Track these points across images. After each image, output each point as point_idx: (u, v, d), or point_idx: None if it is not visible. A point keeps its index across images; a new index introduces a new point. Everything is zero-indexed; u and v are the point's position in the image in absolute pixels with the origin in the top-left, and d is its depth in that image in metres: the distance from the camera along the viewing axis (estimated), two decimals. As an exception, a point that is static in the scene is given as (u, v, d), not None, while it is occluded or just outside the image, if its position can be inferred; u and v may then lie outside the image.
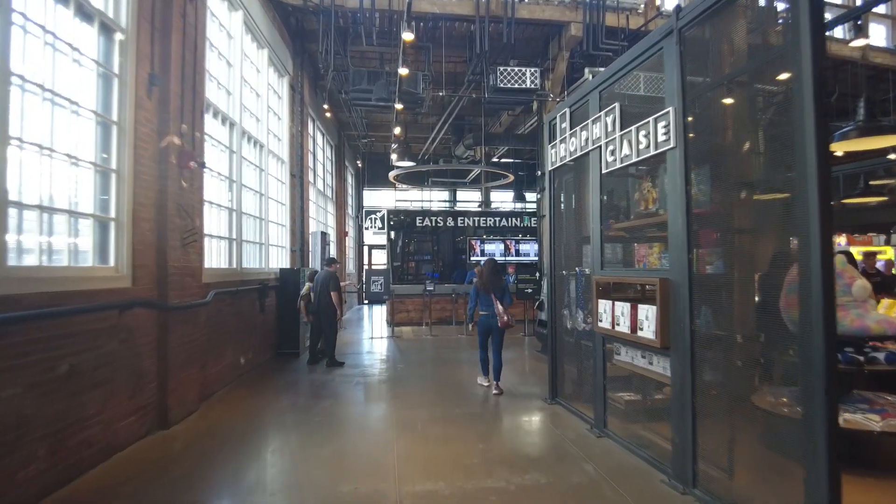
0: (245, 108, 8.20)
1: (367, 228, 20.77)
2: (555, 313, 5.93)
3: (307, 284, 8.91)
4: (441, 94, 10.71)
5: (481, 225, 15.87)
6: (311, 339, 8.61)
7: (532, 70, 10.26)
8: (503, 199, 21.46)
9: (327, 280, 8.27)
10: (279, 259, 10.23)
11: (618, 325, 4.35)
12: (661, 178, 4.43)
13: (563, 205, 5.97)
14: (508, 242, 15.51)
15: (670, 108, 3.65)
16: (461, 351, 9.79)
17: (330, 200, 16.85)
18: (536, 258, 15.27)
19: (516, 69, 10.20)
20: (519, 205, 20.83)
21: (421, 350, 9.96)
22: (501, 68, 10.16)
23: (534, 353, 9.43)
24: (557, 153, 5.66)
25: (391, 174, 14.31)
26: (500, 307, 6.48)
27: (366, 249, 21.67)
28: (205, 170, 6.12)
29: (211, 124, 6.89)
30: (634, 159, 4.15)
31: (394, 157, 14.28)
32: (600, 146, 4.70)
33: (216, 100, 7.04)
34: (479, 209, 18.09)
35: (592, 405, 5.01)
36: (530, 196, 21.55)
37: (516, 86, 10.25)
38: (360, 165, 21.12)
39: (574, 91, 10.80)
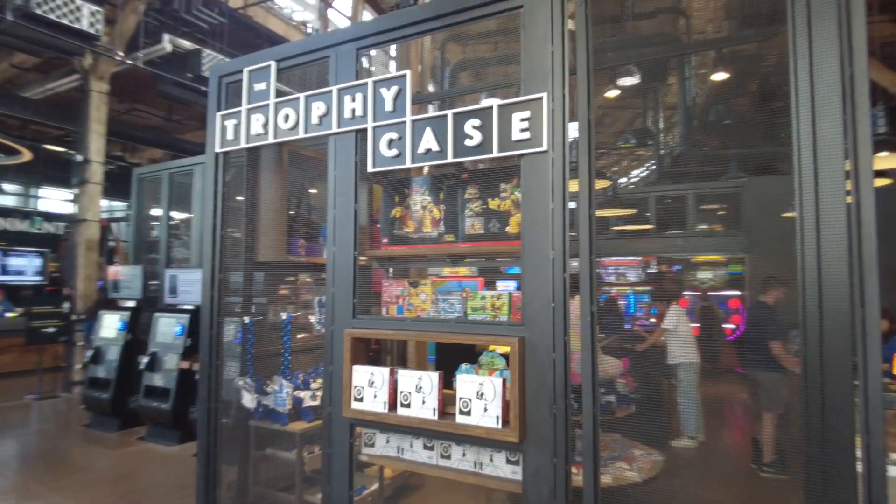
0: None
1: None
2: (216, 384, 3.64)
3: None
4: None
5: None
6: None
7: (94, 8, 6.91)
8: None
9: None
10: None
11: (405, 404, 2.81)
12: (454, 192, 3.26)
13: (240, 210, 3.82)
14: (-10, 256, 10.12)
15: (543, 95, 2.57)
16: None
17: None
18: (40, 278, 10.64)
19: (68, -4, 6.65)
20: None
21: None
22: (41, -15, 6.40)
23: (82, 431, 6.01)
24: (243, 129, 3.53)
25: None
26: None
27: None
28: None
29: None
30: (450, 159, 2.82)
31: None
32: (363, 129, 3.09)
33: None
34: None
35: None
36: (12, 189, 15.40)
37: (65, 21, 6.66)
38: None
39: (162, 54, 8.10)
